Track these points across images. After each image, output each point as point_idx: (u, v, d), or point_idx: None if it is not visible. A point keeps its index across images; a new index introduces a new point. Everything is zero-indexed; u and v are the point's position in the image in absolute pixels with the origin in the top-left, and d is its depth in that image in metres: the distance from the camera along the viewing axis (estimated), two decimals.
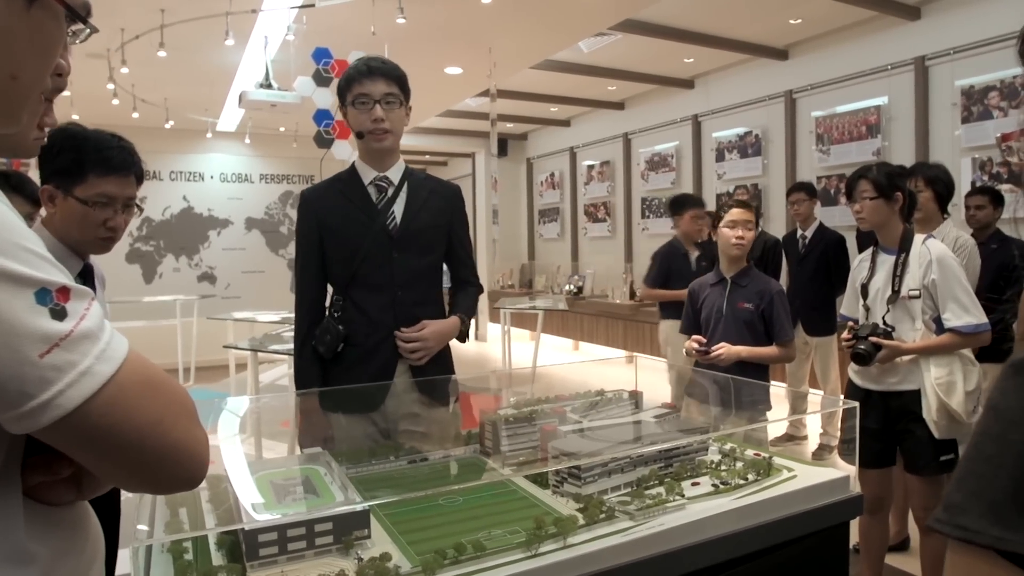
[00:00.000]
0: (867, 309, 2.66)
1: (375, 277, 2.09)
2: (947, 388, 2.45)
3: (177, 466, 0.67)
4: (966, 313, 2.45)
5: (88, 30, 0.74)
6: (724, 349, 2.70)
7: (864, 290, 2.69)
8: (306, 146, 6.89)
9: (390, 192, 2.12)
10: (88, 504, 0.78)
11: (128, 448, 0.63)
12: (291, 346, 4.10)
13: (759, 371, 2.78)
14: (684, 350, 2.96)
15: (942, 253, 2.52)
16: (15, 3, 0.64)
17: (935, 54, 5.65)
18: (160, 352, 7.37)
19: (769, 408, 2.39)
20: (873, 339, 2.52)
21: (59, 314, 0.59)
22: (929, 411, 2.47)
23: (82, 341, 0.59)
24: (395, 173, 2.13)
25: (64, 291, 0.60)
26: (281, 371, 6.74)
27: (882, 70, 6.06)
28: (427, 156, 13.77)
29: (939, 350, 2.49)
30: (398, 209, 2.11)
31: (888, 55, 6.00)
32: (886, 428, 2.61)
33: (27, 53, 0.66)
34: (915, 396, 2.52)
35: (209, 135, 8.79)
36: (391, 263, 2.09)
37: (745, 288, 2.82)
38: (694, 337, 2.83)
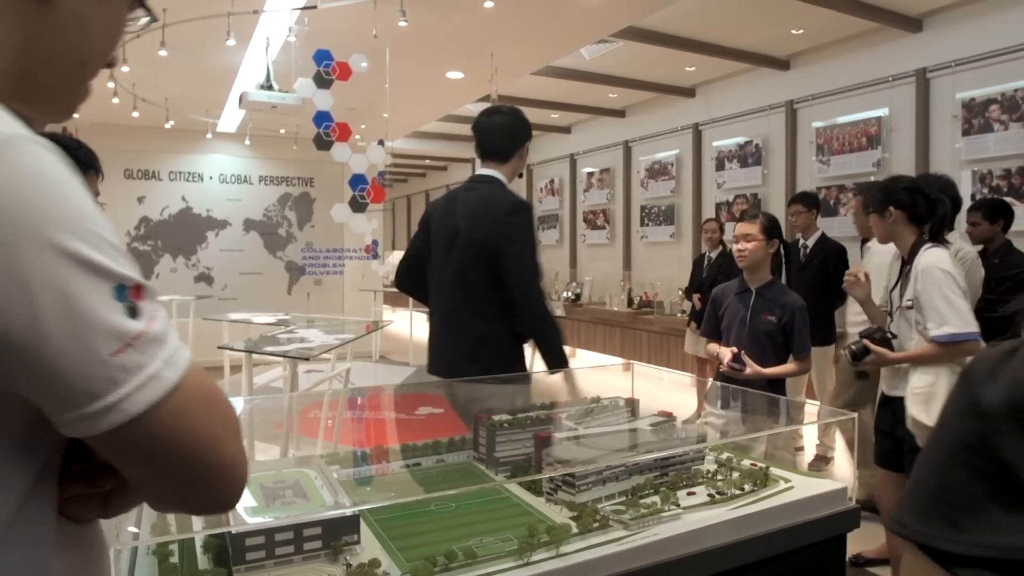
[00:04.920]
0: (890, 316, 2.72)
1: None
2: (925, 398, 2.45)
3: (223, 486, 0.63)
4: (944, 323, 2.44)
5: (148, 19, 0.72)
6: (752, 371, 2.76)
7: (890, 296, 2.76)
8: (306, 148, 6.89)
9: None
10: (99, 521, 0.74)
11: (182, 462, 0.59)
12: (287, 347, 4.09)
13: (776, 385, 2.82)
14: (708, 351, 3.08)
15: (927, 263, 2.51)
16: None
17: (936, 66, 5.66)
18: None
19: (783, 422, 2.41)
20: (865, 341, 2.58)
21: (133, 312, 0.55)
22: (908, 419, 2.49)
23: (152, 343, 0.56)
24: None
25: (139, 289, 0.56)
26: (275, 373, 6.71)
27: (883, 81, 6.07)
28: (427, 160, 13.78)
29: (922, 360, 2.51)
30: None
31: (889, 67, 6.01)
32: (894, 430, 2.65)
33: (99, 40, 0.66)
34: (903, 403, 2.57)
35: (209, 136, 8.79)
36: None
37: (769, 300, 2.86)
38: (730, 349, 2.85)
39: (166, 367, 0.56)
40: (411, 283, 2.72)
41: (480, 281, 2.43)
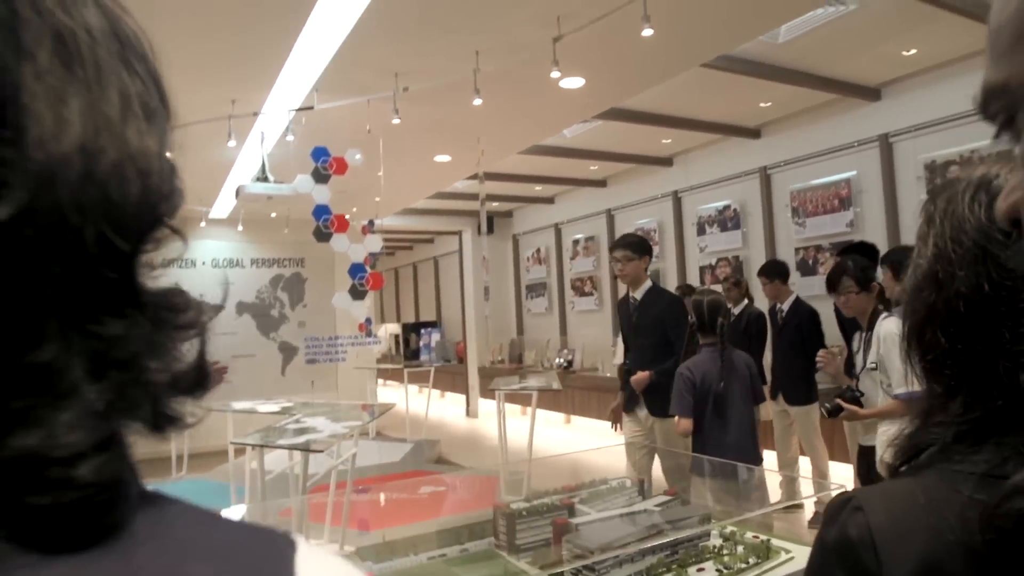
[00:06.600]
0: (856, 377, 3.02)
1: (629, 346, 4.28)
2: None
3: None
4: (903, 383, 2.71)
5: None
6: None
7: (854, 360, 3.16)
8: (297, 230, 7.08)
9: (631, 304, 4.20)
10: None
11: None
12: (296, 440, 4.17)
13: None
14: None
15: (887, 330, 2.82)
16: None
17: (897, 131, 6.00)
18: (150, 441, 7.30)
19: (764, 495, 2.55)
20: (838, 400, 2.87)
21: None
22: (878, 462, 2.72)
23: None
24: (639, 293, 4.14)
25: None
26: (277, 456, 6.73)
27: (849, 147, 6.40)
28: (413, 235, 14.04)
29: (887, 415, 2.79)
30: (636, 312, 4.14)
31: (854, 132, 6.35)
32: (870, 476, 2.97)
33: None
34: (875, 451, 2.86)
35: (203, 224, 8.96)
36: (633, 341, 4.20)
37: None
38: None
39: None
40: None
41: None
